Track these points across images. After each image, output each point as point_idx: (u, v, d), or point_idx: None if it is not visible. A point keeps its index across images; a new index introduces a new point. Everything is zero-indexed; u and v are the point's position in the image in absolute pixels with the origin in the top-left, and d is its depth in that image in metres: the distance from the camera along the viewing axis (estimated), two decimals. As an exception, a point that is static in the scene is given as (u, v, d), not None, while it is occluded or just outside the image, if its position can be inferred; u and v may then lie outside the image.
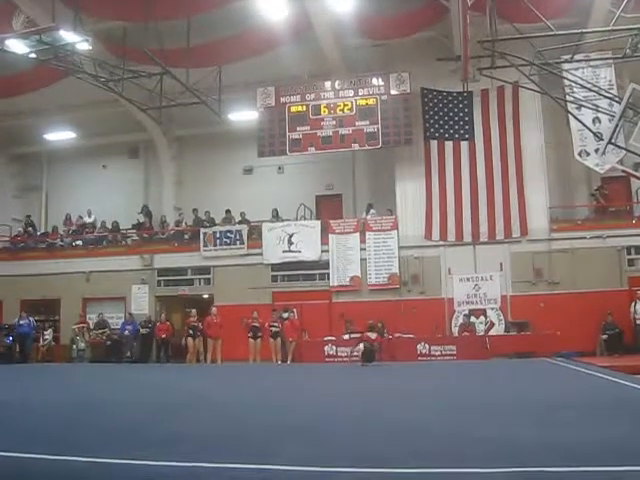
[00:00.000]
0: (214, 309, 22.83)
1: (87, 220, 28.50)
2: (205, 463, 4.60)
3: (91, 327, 24.92)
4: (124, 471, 4.57)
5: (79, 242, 27.65)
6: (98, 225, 28.23)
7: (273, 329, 21.67)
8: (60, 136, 29.04)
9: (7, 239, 28.66)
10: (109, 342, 24.46)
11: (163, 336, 23.45)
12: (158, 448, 5.36)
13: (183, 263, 25.74)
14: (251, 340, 21.74)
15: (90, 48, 20.30)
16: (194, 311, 23.01)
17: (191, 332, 22.57)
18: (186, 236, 26.48)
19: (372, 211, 24.59)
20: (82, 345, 23.92)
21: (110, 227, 27.81)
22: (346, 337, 21.51)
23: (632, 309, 20.76)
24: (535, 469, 4.21)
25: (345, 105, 23.86)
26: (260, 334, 21.77)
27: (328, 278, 24.05)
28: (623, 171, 21.16)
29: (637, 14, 18.27)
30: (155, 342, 23.92)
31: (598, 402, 8.47)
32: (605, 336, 20.73)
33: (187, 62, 21.18)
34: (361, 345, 17.44)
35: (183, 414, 7.96)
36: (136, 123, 27.09)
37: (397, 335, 21.25)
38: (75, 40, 18.99)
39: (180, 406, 8.94)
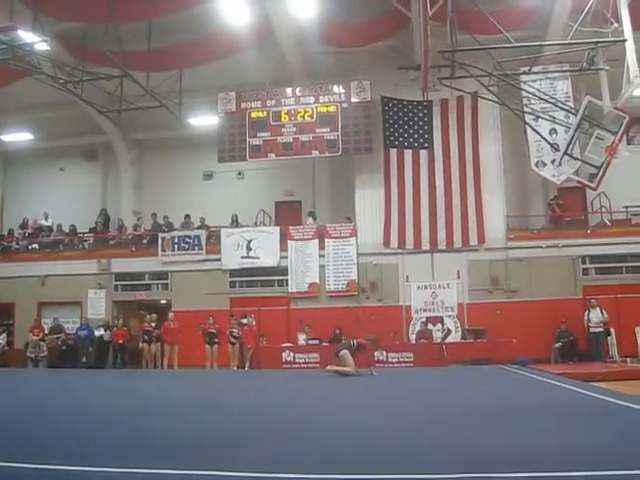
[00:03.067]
0: (171, 315, 22.74)
1: (44, 223, 28.10)
2: (158, 469, 4.58)
3: (46, 332, 24.52)
4: (76, 477, 4.52)
5: (35, 245, 27.22)
6: (55, 228, 27.86)
7: (233, 335, 21.63)
8: (17, 137, 28.46)
9: (-39, 241, 28.09)
10: (64, 347, 24.11)
11: (120, 341, 23.24)
12: (111, 454, 5.32)
13: (141, 268, 25.50)
14: (207, 346, 21.71)
15: (49, 49, 20.10)
16: (151, 316, 22.87)
17: (146, 337, 22.44)
18: (144, 241, 26.25)
19: (310, 219, 24.90)
20: (43, 353, 23.49)
21: (67, 231, 27.46)
22: (302, 341, 21.58)
23: (586, 317, 21.02)
24: (487, 475, 4.26)
25: (306, 112, 23.88)
26: (216, 340, 21.72)
27: (286, 284, 24.01)
28: (578, 182, 21.51)
29: (594, 28, 18.60)
30: (112, 347, 23.67)
31: (550, 408, 8.59)
32: (559, 344, 21.01)
33: (148, 65, 21.03)
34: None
35: (137, 420, 7.90)
36: (95, 126, 26.75)
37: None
38: (34, 40, 18.76)
39: (135, 412, 8.86)
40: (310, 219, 24.98)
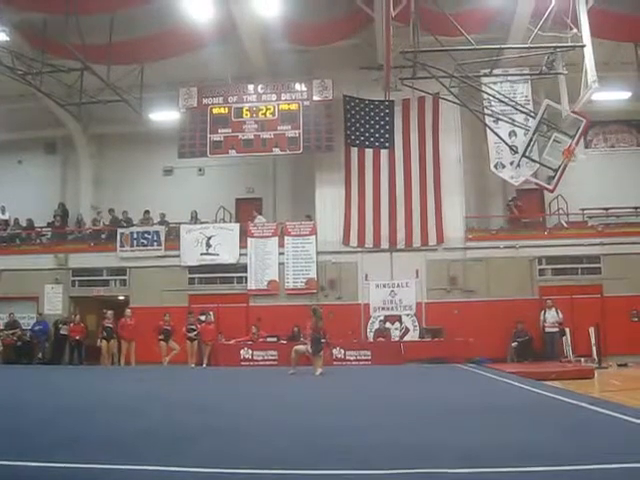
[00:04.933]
0: (128, 311, 22.56)
1: (0, 217, 27.63)
2: (102, 465, 4.54)
3: (1, 327, 24.19)
4: (21, 473, 4.48)
5: (-9, 239, 26.85)
6: (12, 222, 27.42)
7: (191, 333, 21.53)
8: (-26, 129, 28.04)
9: None
10: (20, 343, 23.79)
11: (77, 337, 22.99)
12: (56, 449, 5.27)
13: (99, 263, 25.16)
14: (162, 343, 21.56)
15: (7, 39, 19.82)
16: (110, 312, 22.65)
17: (105, 334, 22.24)
18: (103, 236, 25.96)
19: (259, 217, 24.97)
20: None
21: (24, 225, 27.06)
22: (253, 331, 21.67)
23: (541, 317, 21.40)
24: (435, 470, 4.30)
25: (267, 109, 23.86)
26: (172, 337, 21.61)
27: (246, 281, 23.93)
28: (536, 184, 21.77)
29: (554, 33, 18.87)
30: (68, 344, 23.41)
31: (502, 406, 8.68)
32: (515, 343, 21.28)
33: (108, 58, 20.82)
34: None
35: (86, 416, 7.83)
36: (54, 119, 26.41)
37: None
38: (-9, 31, 18.53)
39: (84, 408, 8.78)
40: (259, 217, 24.93)
